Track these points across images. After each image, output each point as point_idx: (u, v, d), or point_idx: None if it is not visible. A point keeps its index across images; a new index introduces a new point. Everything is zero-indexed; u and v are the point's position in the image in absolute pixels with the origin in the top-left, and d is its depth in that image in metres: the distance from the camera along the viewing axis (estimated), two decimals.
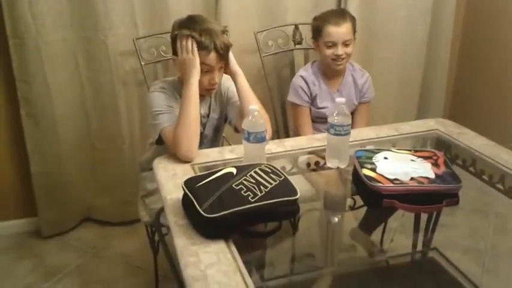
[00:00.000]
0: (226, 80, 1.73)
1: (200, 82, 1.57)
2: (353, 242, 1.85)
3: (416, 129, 1.80)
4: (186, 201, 1.21)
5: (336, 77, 2.08)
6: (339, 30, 1.94)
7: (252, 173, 1.23)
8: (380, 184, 1.31)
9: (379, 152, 1.45)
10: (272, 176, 1.23)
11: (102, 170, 2.36)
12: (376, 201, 1.32)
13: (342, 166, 1.50)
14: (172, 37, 1.62)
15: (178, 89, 1.62)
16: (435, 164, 1.40)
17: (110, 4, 2.07)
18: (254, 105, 1.41)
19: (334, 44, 1.95)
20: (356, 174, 1.42)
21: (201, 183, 1.20)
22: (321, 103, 2.06)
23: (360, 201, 1.58)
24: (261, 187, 1.18)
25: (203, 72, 1.57)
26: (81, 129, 2.28)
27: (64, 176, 2.30)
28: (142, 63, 2.06)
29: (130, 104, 2.27)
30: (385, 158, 1.43)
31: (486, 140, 1.68)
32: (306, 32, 2.28)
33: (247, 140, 1.38)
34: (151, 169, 1.54)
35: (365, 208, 1.58)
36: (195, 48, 1.53)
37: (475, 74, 2.77)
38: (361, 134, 1.75)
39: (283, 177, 1.25)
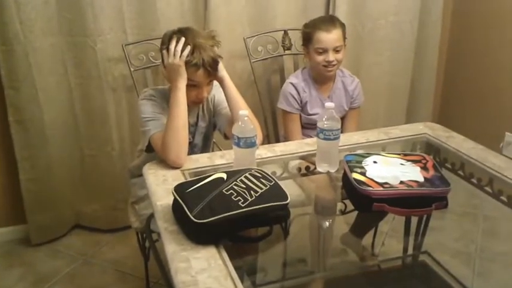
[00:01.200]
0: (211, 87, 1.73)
1: (187, 95, 1.55)
2: (344, 247, 1.85)
3: (406, 133, 1.81)
4: (176, 207, 1.21)
5: (326, 83, 2.09)
6: (329, 37, 1.96)
7: (242, 178, 1.23)
8: (370, 188, 1.31)
9: (368, 156, 1.46)
10: (262, 181, 1.23)
11: (92, 177, 2.35)
12: (366, 205, 1.32)
13: (332, 170, 1.51)
14: (161, 49, 1.60)
15: (168, 98, 1.61)
16: (424, 168, 1.40)
17: (99, 10, 2.07)
18: (244, 111, 1.41)
19: (324, 51, 1.97)
20: (346, 179, 1.42)
21: (191, 189, 1.20)
22: (312, 109, 2.07)
23: (350, 206, 1.58)
24: (252, 192, 1.18)
25: (191, 86, 1.56)
26: (70, 136, 2.27)
27: (53, 182, 2.28)
28: (132, 69, 2.06)
29: (120, 110, 2.26)
30: (375, 162, 1.43)
31: (474, 143, 1.70)
32: (295, 37, 2.29)
33: (238, 145, 1.38)
34: (141, 175, 1.53)
35: (356, 212, 1.59)
36: (184, 54, 1.52)
37: (462, 78, 2.80)
38: (351, 138, 1.75)
39: (274, 182, 1.25)
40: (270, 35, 2.30)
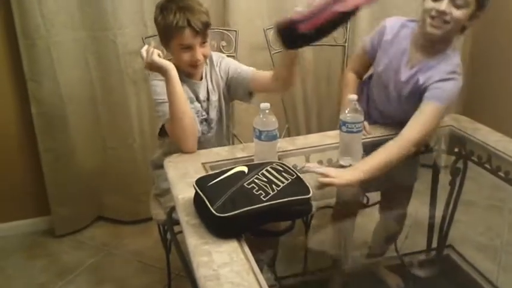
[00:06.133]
0: (217, 58, 1.72)
1: (182, 60, 1.57)
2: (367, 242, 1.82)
3: None
4: (197, 200, 1.21)
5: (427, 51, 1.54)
6: None
7: (263, 171, 1.22)
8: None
9: None
10: (284, 174, 1.22)
11: (114, 169, 2.36)
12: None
13: (355, 164, 1.48)
14: (155, 22, 1.60)
15: (180, 74, 1.59)
16: None
17: (119, 3, 2.07)
18: (265, 104, 1.39)
19: None
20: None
21: (212, 183, 1.19)
22: (379, 67, 1.64)
23: (373, 199, 1.56)
24: (273, 186, 1.17)
25: (183, 50, 1.56)
26: (92, 128, 2.29)
27: (76, 174, 2.31)
28: None
29: (141, 102, 2.27)
30: None
31: (501, 135, 1.65)
32: None
33: (259, 138, 1.37)
34: (163, 166, 1.53)
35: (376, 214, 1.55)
36: (156, 52, 1.50)
37: (489, 69, 2.73)
38: (374, 130, 1.71)
39: (296, 175, 1.23)
40: None
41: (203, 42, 1.58)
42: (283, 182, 1.19)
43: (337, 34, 2.29)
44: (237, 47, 2.13)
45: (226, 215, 1.09)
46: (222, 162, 1.50)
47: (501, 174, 1.52)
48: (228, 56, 2.13)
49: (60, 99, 2.16)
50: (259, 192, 1.15)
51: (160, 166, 1.65)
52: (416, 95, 1.51)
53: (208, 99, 1.71)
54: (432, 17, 1.46)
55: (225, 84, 1.72)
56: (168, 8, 1.54)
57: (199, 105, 1.68)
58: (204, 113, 1.69)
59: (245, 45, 2.23)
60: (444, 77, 1.49)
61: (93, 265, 2.20)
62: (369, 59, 1.69)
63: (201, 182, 1.21)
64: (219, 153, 1.55)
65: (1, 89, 2.17)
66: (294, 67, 1.54)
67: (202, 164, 1.47)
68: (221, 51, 2.14)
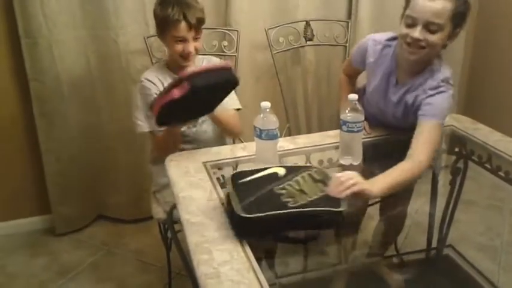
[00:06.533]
0: (209, 60, 1.79)
1: (175, 51, 1.64)
2: (367, 240, 1.83)
3: None
4: (229, 196, 1.20)
5: (408, 71, 1.54)
6: (427, 4, 1.40)
7: (298, 178, 1.20)
8: None
9: None
10: (319, 185, 1.19)
11: (115, 168, 2.37)
12: None
13: (355, 163, 1.49)
14: (154, 14, 1.68)
15: (164, 73, 1.72)
16: None
17: (120, 2, 2.08)
18: (266, 102, 1.40)
19: (413, 22, 1.43)
20: None
21: (244, 180, 1.19)
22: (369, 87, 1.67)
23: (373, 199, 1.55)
24: (303, 195, 1.15)
25: (177, 42, 1.63)
26: (93, 128, 2.29)
27: (77, 173, 2.32)
28: (154, 61, 2.06)
29: None
30: None
31: (502, 135, 1.66)
32: (317, 28, 2.26)
33: (259, 137, 1.37)
34: (162, 162, 1.54)
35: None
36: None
37: (489, 69, 2.73)
38: (375, 130, 1.71)
39: None
40: (292, 25, 2.27)
41: (196, 38, 1.66)
42: (316, 194, 1.15)
43: (338, 33, 2.30)
44: (239, 46, 2.14)
45: (250, 216, 1.09)
46: (223, 161, 1.50)
47: (501, 174, 1.53)
48: (229, 55, 2.15)
49: (61, 98, 2.16)
50: (288, 199, 1.13)
51: (159, 162, 1.66)
52: (411, 113, 1.52)
53: None
54: (408, 44, 1.45)
55: None
56: (167, 1, 1.62)
57: None
58: None
59: (246, 44, 2.24)
60: (430, 93, 1.48)
61: (94, 264, 2.20)
62: (357, 68, 1.72)
63: (235, 178, 1.21)
64: (219, 152, 1.56)
65: (3, 88, 2.18)
66: (221, 125, 1.73)
67: (203, 163, 1.48)
68: (223, 51, 2.15)
